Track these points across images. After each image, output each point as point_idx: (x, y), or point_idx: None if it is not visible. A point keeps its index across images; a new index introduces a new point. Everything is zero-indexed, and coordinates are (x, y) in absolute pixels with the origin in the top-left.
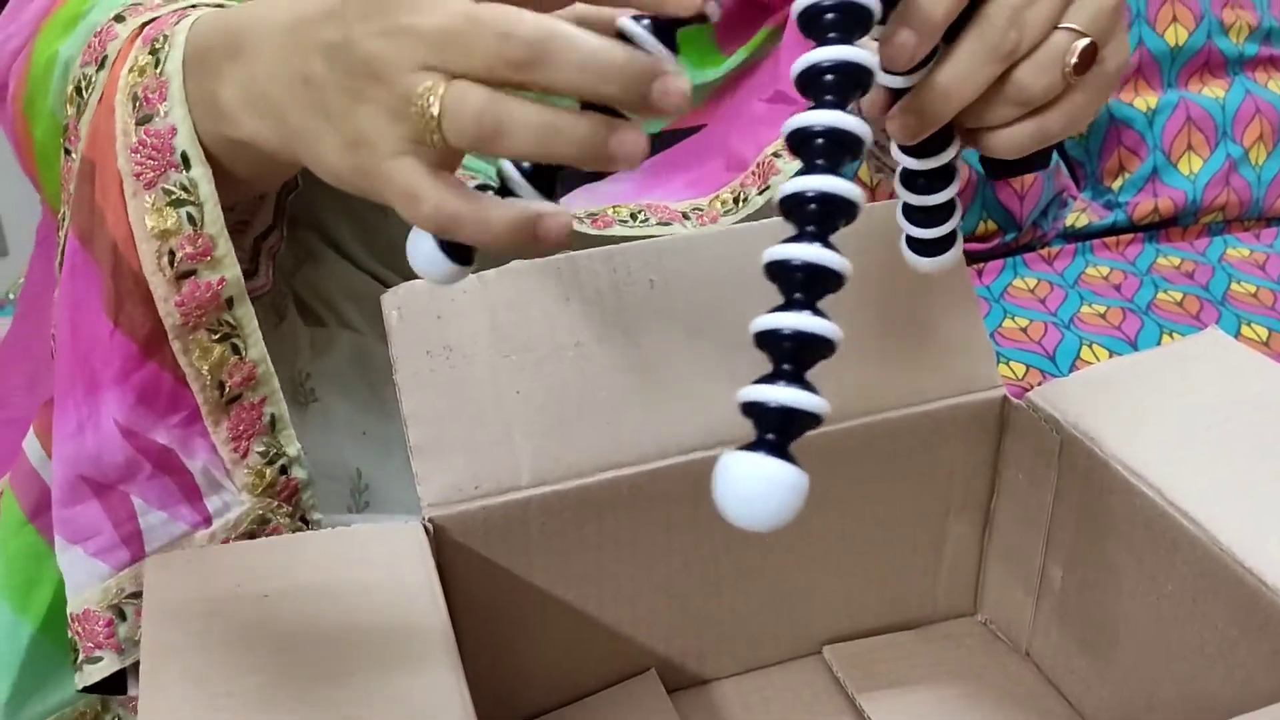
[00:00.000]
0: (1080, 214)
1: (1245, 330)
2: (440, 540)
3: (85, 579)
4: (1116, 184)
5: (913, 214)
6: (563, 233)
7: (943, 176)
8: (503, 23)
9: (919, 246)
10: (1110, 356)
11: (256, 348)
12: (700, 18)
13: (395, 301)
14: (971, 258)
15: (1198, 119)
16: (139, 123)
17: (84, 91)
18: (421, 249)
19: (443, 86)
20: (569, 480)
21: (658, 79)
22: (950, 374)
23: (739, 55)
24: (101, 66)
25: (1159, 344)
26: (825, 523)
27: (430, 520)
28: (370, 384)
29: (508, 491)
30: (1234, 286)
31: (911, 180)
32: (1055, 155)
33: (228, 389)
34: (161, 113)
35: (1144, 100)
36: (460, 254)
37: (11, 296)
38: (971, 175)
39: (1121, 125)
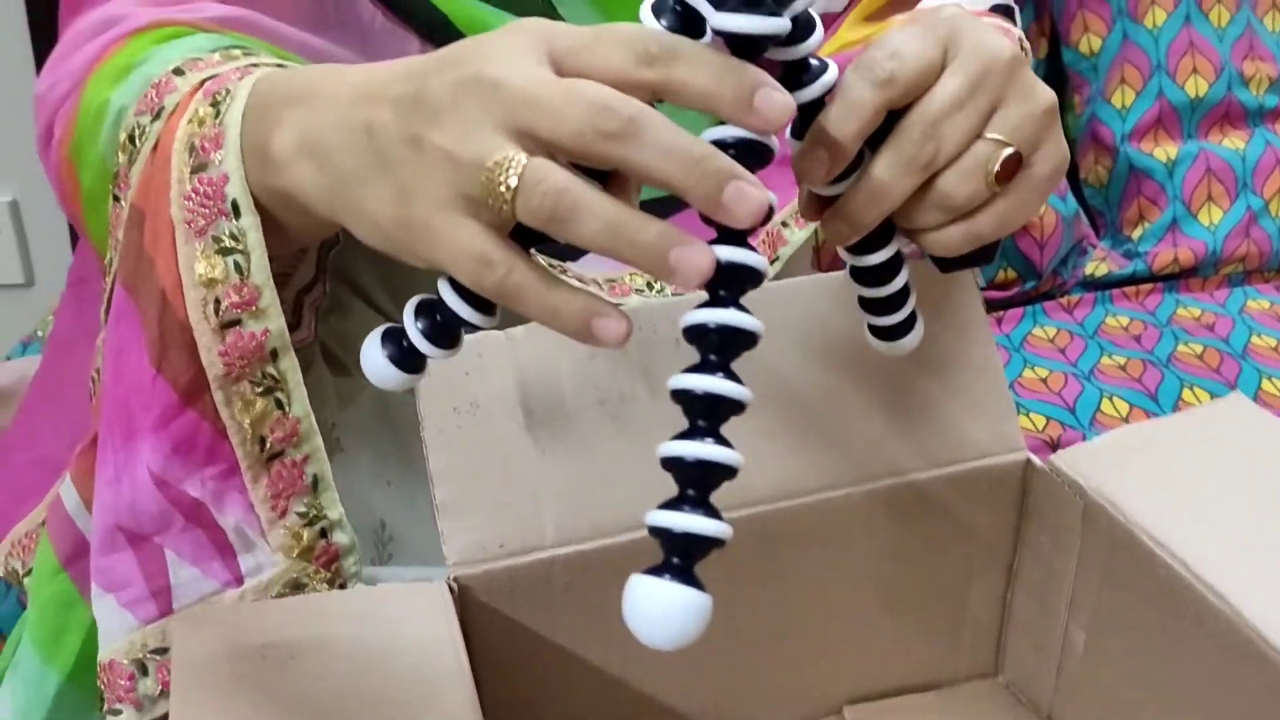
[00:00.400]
0: (1100, 263)
1: (1266, 385)
2: (465, 599)
3: (116, 629)
4: (1136, 233)
5: (868, 304)
6: (619, 339)
7: (889, 269)
8: (601, 95)
9: (879, 333)
10: (1130, 410)
11: (300, 404)
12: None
13: None
14: (991, 305)
15: (1218, 170)
16: (193, 170)
17: (137, 140)
18: (373, 358)
19: (523, 159)
20: (594, 540)
21: (733, 182)
22: (973, 436)
23: None
24: (157, 117)
25: (1179, 398)
26: (848, 583)
27: (455, 579)
28: (395, 434)
29: (532, 551)
30: (1254, 340)
31: (860, 274)
32: (998, 253)
33: (269, 445)
34: (216, 161)
35: (1164, 151)
36: (414, 365)
37: (40, 334)
38: None
39: (1141, 175)
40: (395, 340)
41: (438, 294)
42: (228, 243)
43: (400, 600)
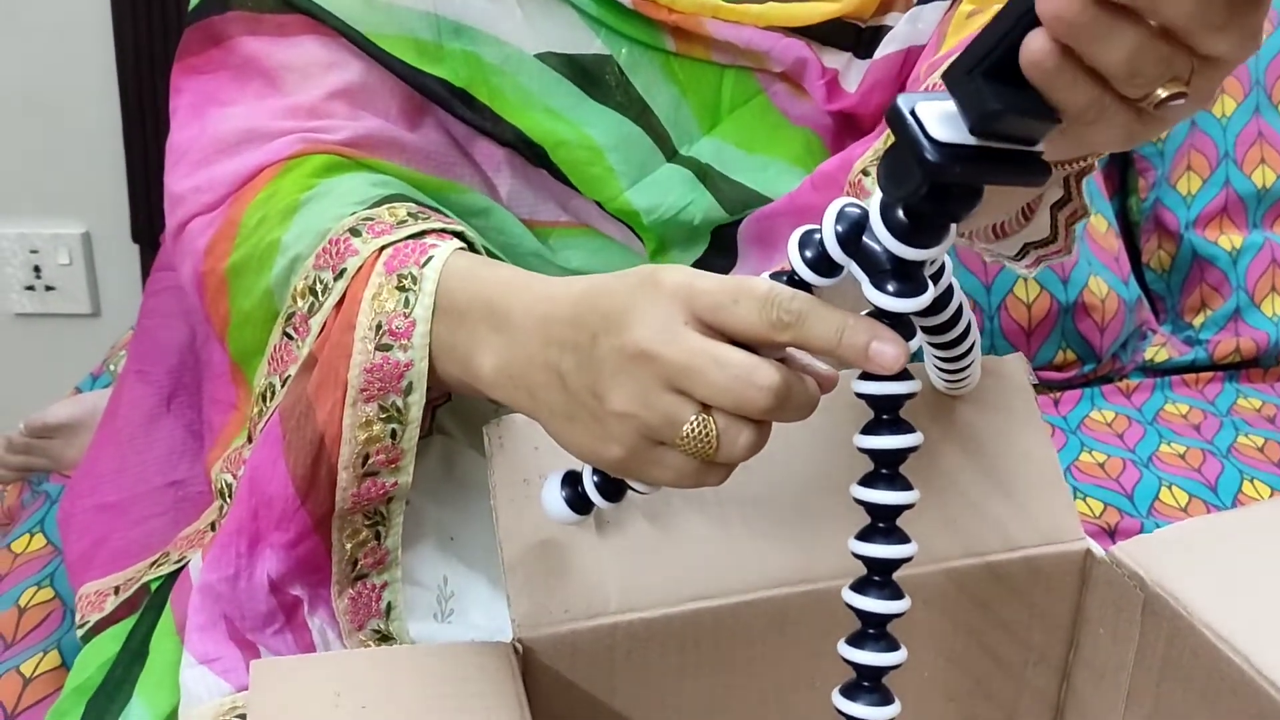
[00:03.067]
0: (1160, 348)
1: None
2: (528, 661)
3: (205, 694)
4: (1198, 320)
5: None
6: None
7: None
8: (745, 369)
9: (940, 366)
10: (1190, 500)
11: (394, 537)
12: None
13: (497, 432)
14: (1049, 387)
15: None
16: (379, 348)
17: (320, 294)
18: (551, 498)
19: (714, 427)
20: (656, 609)
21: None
22: (1032, 525)
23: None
24: (339, 276)
25: (1239, 490)
26: (907, 670)
27: (519, 640)
28: (460, 489)
29: (596, 616)
30: None
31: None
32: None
33: (359, 566)
34: (403, 347)
35: (1229, 239)
36: (584, 508)
37: (112, 368)
38: (1052, 306)
39: (1205, 262)
40: (572, 485)
41: None
42: (392, 413)
43: (468, 658)
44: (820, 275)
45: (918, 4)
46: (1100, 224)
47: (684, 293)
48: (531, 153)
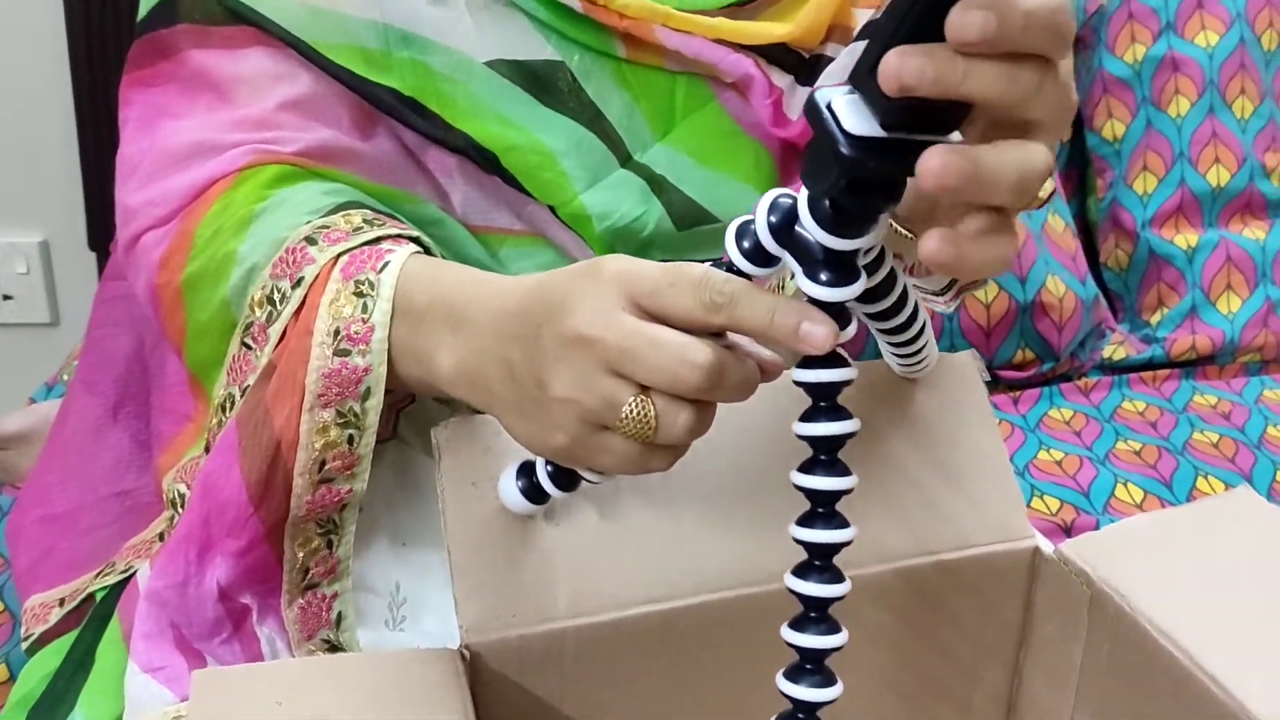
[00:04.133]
0: (1118, 347)
1: None
2: (476, 667)
3: (149, 702)
4: (1155, 319)
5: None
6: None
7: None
8: (680, 349)
9: (892, 347)
10: (1145, 496)
11: (345, 546)
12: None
13: (445, 435)
14: (1009, 386)
15: (1237, 259)
16: (337, 353)
17: (276, 302)
18: (507, 489)
19: (651, 408)
20: (605, 613)
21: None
22: (982, 522)
23: None
24: (297, 285)
25: (1194, 486)
26: (855, 669)
27: (467, 646)
28: (413, 496)
29: (545, 621)
30: (1270, 430)
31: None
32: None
33: (310, 575)
34: (361, 353)
35: (1185, 238)
36: (540, 498)
37: (65, 378)
38: (1010, 306)
39: (1162, 261)
40: (527, 476)
41: None
42: (350, 418)
43: (414, 666)
44: (756, 265)
45: (856, 39)
46: (1058, 224)
47: (622, 279)
48: (483, 159)
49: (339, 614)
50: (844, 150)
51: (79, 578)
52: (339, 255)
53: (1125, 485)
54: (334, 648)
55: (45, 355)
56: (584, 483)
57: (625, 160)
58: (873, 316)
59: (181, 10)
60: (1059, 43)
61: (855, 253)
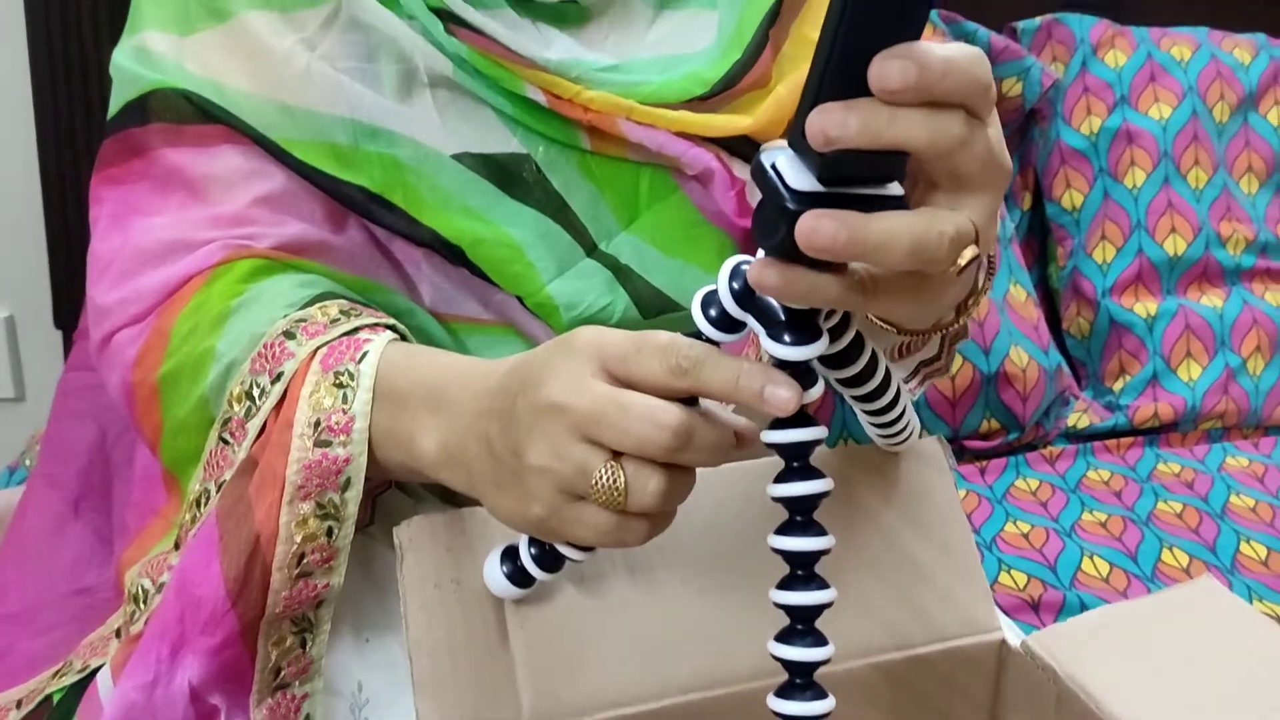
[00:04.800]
0: (1082, 415)
1: (1244, 548)
2: None
3: None
4: (1118, 386)
5: (845, 384)
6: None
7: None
8: (651, 412)
9: (873, 424)
10: (1111, 570)
11: (319, 645)
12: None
13: (407, 533)
14: (975, 455)
15: (1196, 327)
16: (317, 444)
17: (255, 398)
18: (492, 574)
19: (621, 474)
20: (569, 718)
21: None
22: (951, 616)
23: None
24: (276, 380)
25: (1159, 559)
26: None
27: None
28: (376, 589)
29: None
30: (1233, 499)
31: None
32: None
33: (281, 675)
34: (342, 443)
35: (1144, 306)
36: (525, 582)
37: (28, 463)
38: (975, 376)
39: (1122, 329)
40: (511, 560)
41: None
42: (329, 510)
43: None
44: (723, 332)
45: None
46: (1019, 294)
47: (592, 347)
48: (450, 252)
49: (307, 715)
50: (789, 205)
51: (36, 677)
52: (318, 348)
53: (1091, 558)
54: None
55: (10, 431)
56: (568, 563)
57: (591, 250)
58: (845, 384)
59: (153, 110)
60: (981, 93)
61: (815, 312)
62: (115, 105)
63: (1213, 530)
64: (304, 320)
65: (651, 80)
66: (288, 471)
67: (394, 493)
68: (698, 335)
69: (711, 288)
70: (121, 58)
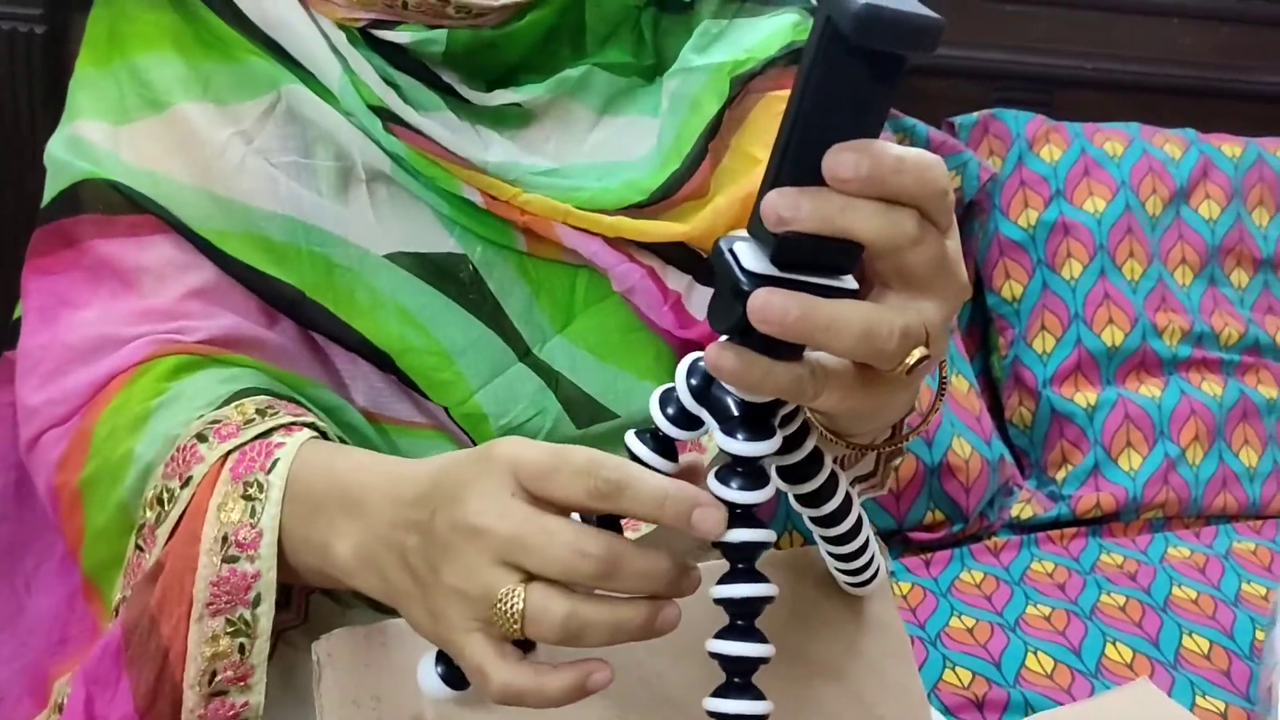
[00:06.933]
0: (1026, 505)
1: (1187, 641)
2: None
3: None
4: (1060, 475)
5: (817, 523)
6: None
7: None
8: (575, 540)
9: (841, 569)
10: (1055, 666)
11: None
12: None
13: (325, 648)
14: (920, 547)
15: (1135, 417)
16: (225, 560)
17: (165, 503)
18: (426, 680)
19: (523, 590)
20: None
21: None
22: None
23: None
24: (186, 484)
25: (1102, 653)
26: None
27: None
28: (296, 699)
29: None
30: (1175, 591)
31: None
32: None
33: None
34: (250, 558)
35: (1084, 396)
36: (460, 684)
37: None
38: (918, 468)
39: (1063, 419)
40: (446, 661)
41: None
42: (240, 626)
43: None
44: (682, 429)
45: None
46: (962, 385)
47: (510, 464)
48: (379, 359)
49: None
50: (744, 286)
51: None
52: (228, 453)
53: (1036, 654)
54: None
55: None
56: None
57: (523, 355)
58: (805, 502)
59: (84, 200)
60: (935, 195)
61: (771, 411)
62: (48, 195)
63: (1155, 623)
64: (217, 421)
65: (589, 186)
66: (195, 589)
67: (320, 598)
68: (652, 431)
69: (669, 385)
70: (55, 147)
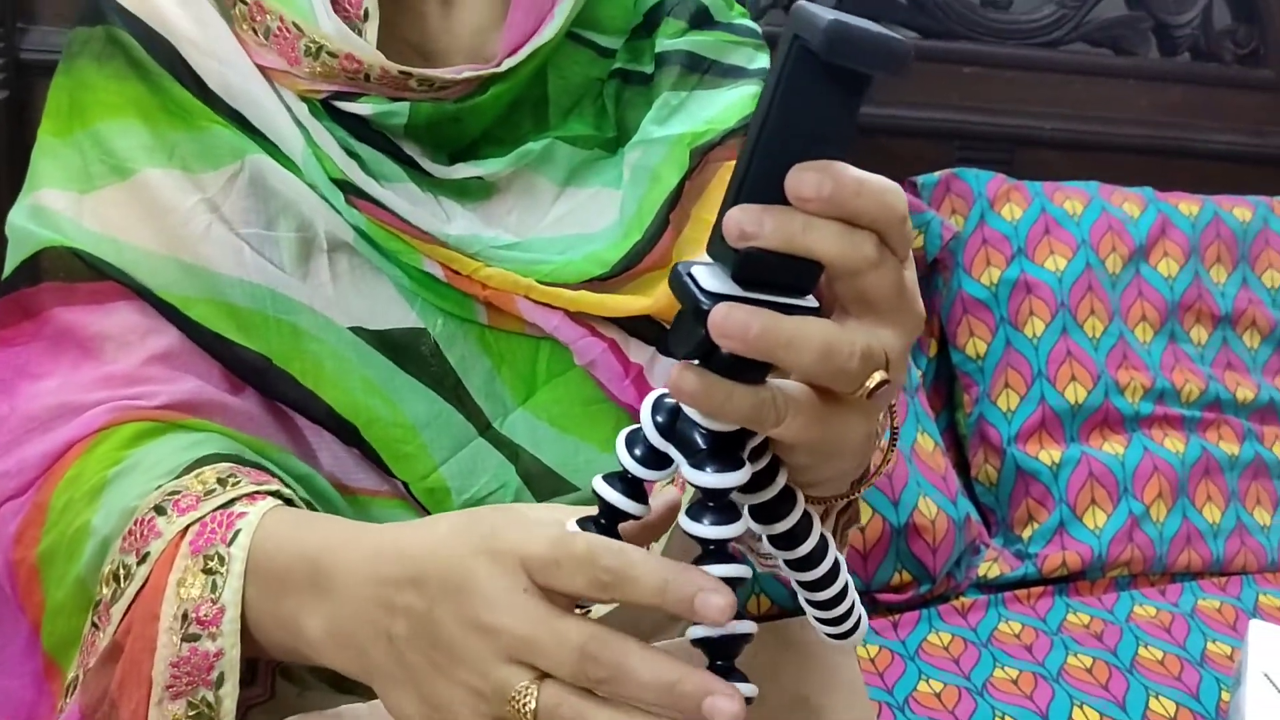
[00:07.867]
0: (992, 564)
1: (1154, 703)
2: None
3: None
4: (1026, 533)
5: (794, 568)
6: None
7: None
8: (586, 642)
9: (819, 616)
10: None
11: None
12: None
13: None
14: (888, 609)
15: (1099, 474)
16: (185, 639)
17: (121, 580)
18: None
19: (535, 691)
20: None
21: (710, 698)
22: None
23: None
24: (143, 560)
25: (1069, 717)
26: None
27: None
28: None
29: None
30: (1142, 651)
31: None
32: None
33: None
34: (211, 636)
35: (1048, 454)
36: None
37: None
38: (885, 529)
39: (1029, 477)
40: None
41: None
42: (202, 709)
43: None
44: (650, 469)
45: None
46: (927, 443)
47: (519, 558)
48: (344, 431)
49: None
50: (704, 306)
51: None
52: (187, 526)
53: (1003, 718)
54: None
55: None
56: None
57: (484, 429)
58: (778, 544)
59: (45, 269)
60: (895, 221)
61: (738, 438)
62: (9, 265)
63: (1122, 686)
64: (177, 493)
65: (551, 260)
66: (154, 671)
67: (278, 678)
68: (620, 474)
69: (634, 427)
70: (17, 217)
